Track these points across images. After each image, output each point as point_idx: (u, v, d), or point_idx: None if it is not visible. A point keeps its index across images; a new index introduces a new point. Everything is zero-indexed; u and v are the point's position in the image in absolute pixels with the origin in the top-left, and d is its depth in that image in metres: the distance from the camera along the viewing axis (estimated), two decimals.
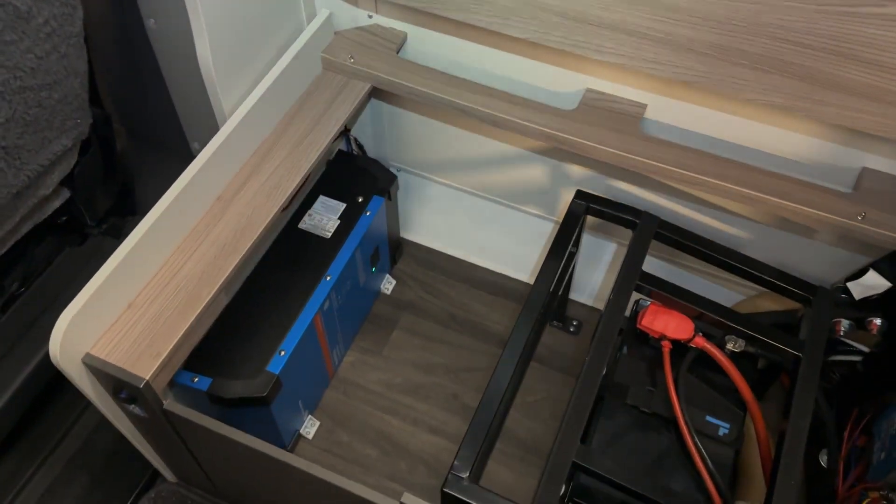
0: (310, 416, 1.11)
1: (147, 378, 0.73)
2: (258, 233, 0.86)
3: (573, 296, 1.25)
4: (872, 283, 0.88)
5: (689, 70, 0.79)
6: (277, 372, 0.92)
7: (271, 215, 0.87)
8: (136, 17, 0.87)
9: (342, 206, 1.09)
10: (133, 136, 1.05)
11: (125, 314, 0.78)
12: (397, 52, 1.02)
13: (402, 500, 0.67)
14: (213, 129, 0.91)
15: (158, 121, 0.99)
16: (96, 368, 0.74)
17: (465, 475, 0.74)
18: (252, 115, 0.90)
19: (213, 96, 0.92)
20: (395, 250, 1.27)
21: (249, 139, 0.92)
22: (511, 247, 1.27)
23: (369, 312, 1.23)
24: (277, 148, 0.94)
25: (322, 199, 1.10)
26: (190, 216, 0.85)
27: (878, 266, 0.88)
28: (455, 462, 0.75)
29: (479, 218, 1.29)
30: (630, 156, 0.90)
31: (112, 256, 0.76)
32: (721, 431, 0.86)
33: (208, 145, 0.86)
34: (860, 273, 0.90)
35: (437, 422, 1.12)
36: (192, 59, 0.88)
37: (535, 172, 1.15)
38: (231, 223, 0.86)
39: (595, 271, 1.25)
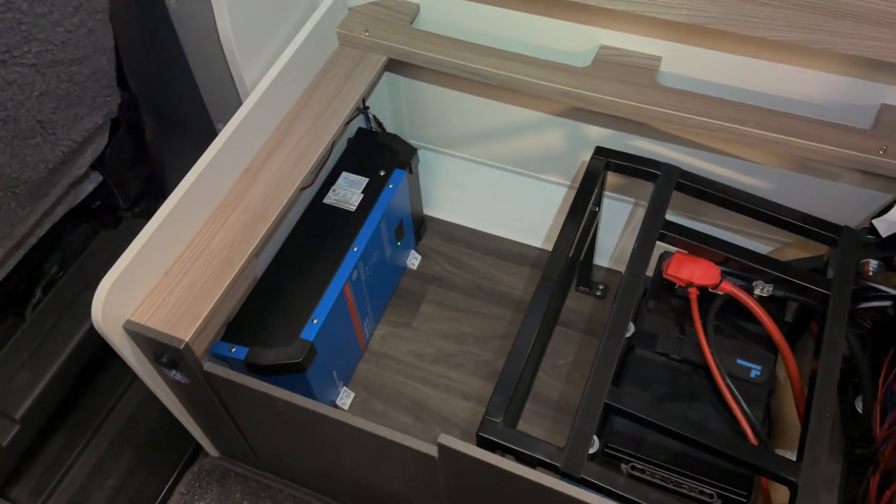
0: (344, 387, 1.13)
1: (187, 339, 0.75)
2: (286, 199, 0.88)
3: (598, 261, 1.26)
4: None
5: (702, 12, 0.80)
6: (312, 339, 0.94)
7: (298, 182, 0.89)
8: None
9: (365, 180, 1.11)
10: (159, 119, 1.08)
11: (162, 282, 0.80)
12: (411, 24, 1.04)
13: (440, 440, 0.68)
14: (237, 107, 0.93)
15: (183, 102, 1.02)
16: (137, 333, 0.76)
17: (500, 419, 0.75)
18: (272, 90, 0.93)
19: (236, 73, 0.94)
20: (419, 226, 1.28)
21: (272, 113, 0.94)
22: (533, 216, 1.28)
23: (397, 287, 1.25)
24: (299, 121, 0.96)
25: (345, 174, 1.12)
26: (219, 188, 0.87)
27: None
28: (489, 407, 0.76)
29: (500, 189, 1.30)
30: (647, 106, 0.91)
31: (146, 227, 0.78)
32: (753, 374, 0.86)
33: (231, 120, 0.88)
34: (886, 210, 0.90)
35: (470, 388, 1.13)
36: (213, 37, 0.90)
37: (553, 137, 1.15)
38: (259, 192, 0.89)
39: (619, 235, 1.25)
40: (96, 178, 0.99)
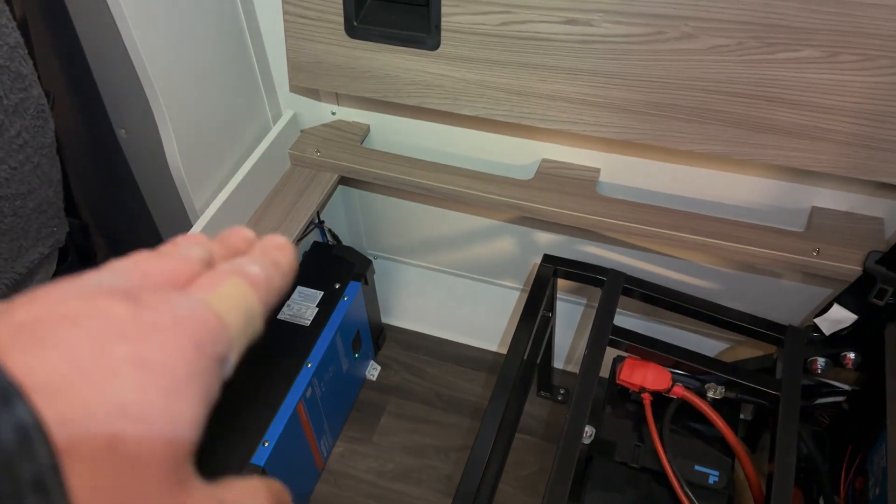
0: None
1: None
2: None
3: (558, 364, 1.26)
4: (838, 316, 0.90)
5: (630, 129, 0.84)
6: (262, 464, 0.91)
7: None
8: (107, 128, 0.92)
9: (319, 293, 1.11)
10: (112, 244, 1.08)
11: None
12: (361, 143, 1.07)
13: None
14: (188, 229, 0.94)
15: (136, 227, 1.03)
16: None
17: None
18: (223, 212, 0.94)
19: (186, 198, 0.95)
20: (377, 336, 1.28)
21: None
22: (490, 320, 1.29)
23: (356, 400, 1.23)
24: None
25: (300, 289, 1.12)
26: None
27: (841, 299, 0.90)
28: None
29: (457, 296, 1.31)
30: (588, 216, 0.94)
31: None
32: (711, 479, 0.85)
33: None
34: (826, 309, 0.92)
35: None
36: (163, 164, 0.92)
37: (505, 243, 1.18)
38: None
39: (577, 339, 1.26)
40: None
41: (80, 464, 0.17)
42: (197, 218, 0.96)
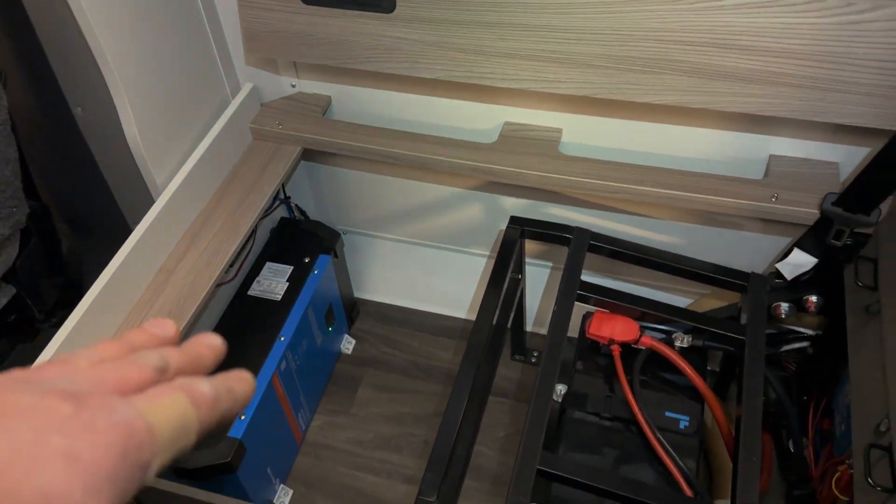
0: (282, 484, 1.09)
1: None
2: (202, 296, 0.87)
3: (531, 328, 1.27)
4: (799, 260, 0.92)
5: (588, 83, 0.85)
6: (240, 436, 0.91)
7: (214, 278, 0.89)
8: (63, 107, 0.90)
9: (289, 268, 1.11)
10: (74, 226, 1.07)
11: None
12: (323, 115, 1.07)
13: None
14: (149, 206, 0.93)
15: (97, 207, 1.01)
16: None
17: (433, 498, 0.74)
18: (185, 188, 0.93)
19: (146, 174, 0.94)
20: (350, 310, 1.28)
21: (185, 210, 0.95)
22: (461, 289, 1.29)
23: (332, 374, 1.23)
24: (215, 216, 0.96)
25: (269, 265, 1.12)
26: (132, 290, 0.86)
27: (801, 244, 0.92)
28: (421, 487, 0.74)
29: (428, 266, 1.31)
30: (552, 175, 0.94)
31: (56, 335, 0.76)
32: (682, 424, 0.87)
33: (142, 221, 0.88)
34: (787, 254, 0.94)
35: (413, 470, 1.11)
36: (121, 142, 0.91)
37: (472, 210, 1.18)
38: (175, 291, 0.88)
39: (548, 301, 1.27)
40: (9, 291, 0.97)
41: None
42: (158, 194, 0.95)
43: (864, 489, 0.70)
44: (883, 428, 0.71)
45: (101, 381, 0.25)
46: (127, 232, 1.04)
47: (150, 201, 0.97)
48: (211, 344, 0.31)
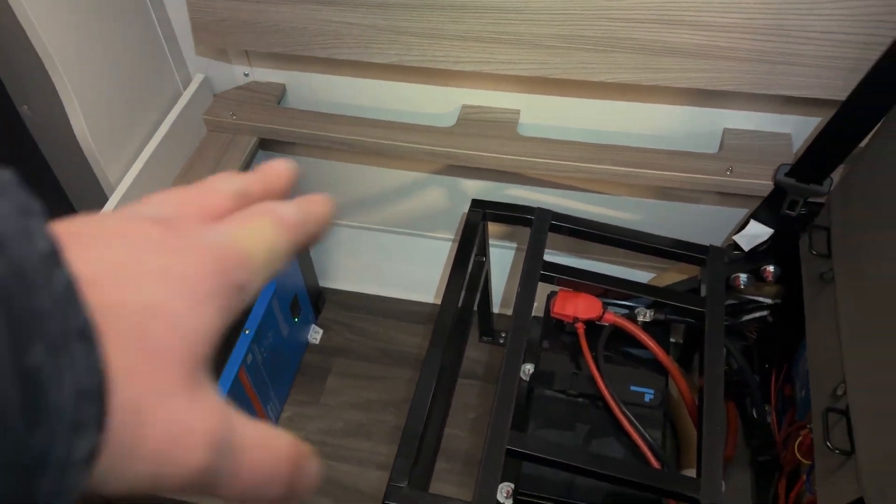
0: None
1: None
2: None
3: (500, 310, 1.28)
4: (755, 231, 0.94)
5: (543, 64, 0.85)
6: None
7: None
8: (9, 106, 0.88)
9: None
10: None
11: None
12: (278, 103, 1.05)
13: None
14: (104, 204, 0.92)
15: (49, 207, 0.98)
16: None
17: (404, 483, 0.74)
18: (139, 184, 0.92)
19: (98, 172, 0.92)
20: (316, 299, 1.28)
21: None
22: (427, 273, 1.30)
23: (300, 364, 1.23)
24: None
25: None
26: None
27: (756, 215, 0.93)
28: (392, 472, 0.75)
29: (392, 252, 1.31)
30: (511, 157, 0.95)
31: None
32: (647, 398, 0.88)
33: None
34: (745, 225, 0.96)
35: (384, 457, 1.11)
36: (71, 139, 0.89)
37: (434, 195, 1.18)
38: None
39: (514, 282, 1.28)
40: None
41: (111, 344, 0.18)
42: (112, 191, 0.93)
43: (823, 452, 0.72)
44: (839, 392, 0.73)
45: (184, 208, 0.24)
46: None
47: (104, 198, 0.95)
48: (284, 169, 0.29)
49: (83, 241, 0.20)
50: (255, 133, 1.03)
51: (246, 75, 1.06)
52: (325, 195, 0.29)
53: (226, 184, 0.26)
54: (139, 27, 0.93)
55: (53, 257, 0.18)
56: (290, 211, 0.26)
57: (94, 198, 0.95)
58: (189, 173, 0.99)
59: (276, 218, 0.25)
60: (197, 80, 1.03)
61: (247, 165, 1.04)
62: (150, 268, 0.21)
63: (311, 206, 0.28)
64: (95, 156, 0.90)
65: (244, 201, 0.26)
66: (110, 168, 0.92)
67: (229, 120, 1.03)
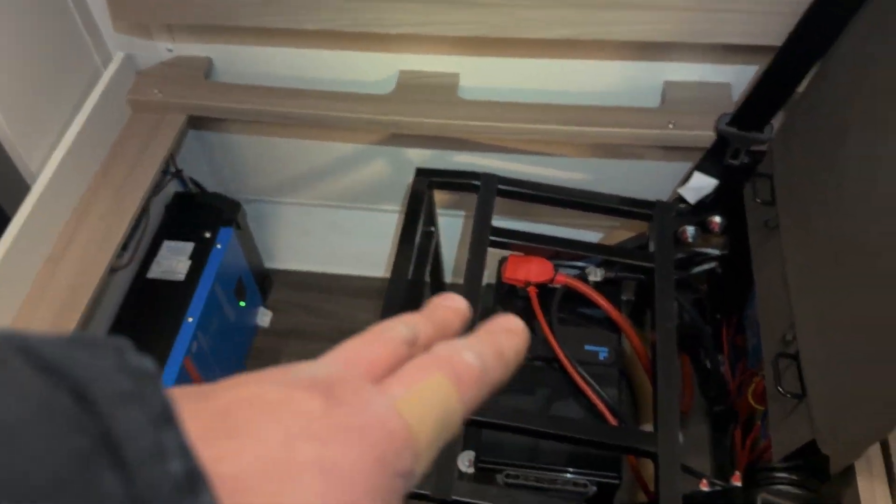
0: None
1: None
2: (96, 284, 0.81)
3: (452, 279, 1.27)
4: (700, 184, 0.94)
5: (482, 23, 0.82)
6: None
7: (106, 263, 0.83)
8: None
9: (190, 245, 1.06)
10: None
11: None
12: (206, 78, 1.00)
13: None
14: (25, 193, 0.86)
15: None
16: None
17: None
18: (62, 171, 0.87)
19: (18, 160, 0.87)
20: (262, 281, 1.24)
21: (66, 195, 0.88)
22: (376, 247, 1.27)
23: (251, 349, 1.20)
24: (99, 197, 0.90)
25: (167, 243, 1.06)
26: (20, 283, 0.80)
27: (700, 167, 0.93)
28: None
29: (339, 228, 1.28)
30: (452, 122, 0.92)
31: None
32: (601, 356, 0.88)
33: (20, 210, 0.81)
34: (689, 178, 0.96)
35: None
36: None
37: (378, 166, 1.15)
38: (65, 281, 0.82)
39: (465, 250, 1.26)
40: None
41: None
42: (34, 180, 0.88)
43: (775, 397, 0.73)
44: (789, 337, 0.74)
45: (351, 362, 0.22)
46: (6, 222, 0.97)
47: (26, 187, 0.90)
48: (456, 307, 0.26)
49: (231, 423, 0.18)
50: (184, 111, 0.98)
51: (170, 51, 1.01)
52: (514, 318, 0.25)
53: (394, 331, 0.23)
54: (51, 4, 0.87)
55: (191, 479, 0.16)
56: (470, 358, 0.22)
57: (16, 188, 0.90)
58: (116, 157, 0.94)
59: (452, 372, 0.22)
60: (118, 58, 0.98)
61: (177, 145, 1.00)
62: (306, 460, 0.18)
63: (497, 341, 0.24)
64: (13, 144, 0.84)
65: (415, 349, 0.23)
66: (31, 156, 0.86)
67: (155, 98, 0.98)
